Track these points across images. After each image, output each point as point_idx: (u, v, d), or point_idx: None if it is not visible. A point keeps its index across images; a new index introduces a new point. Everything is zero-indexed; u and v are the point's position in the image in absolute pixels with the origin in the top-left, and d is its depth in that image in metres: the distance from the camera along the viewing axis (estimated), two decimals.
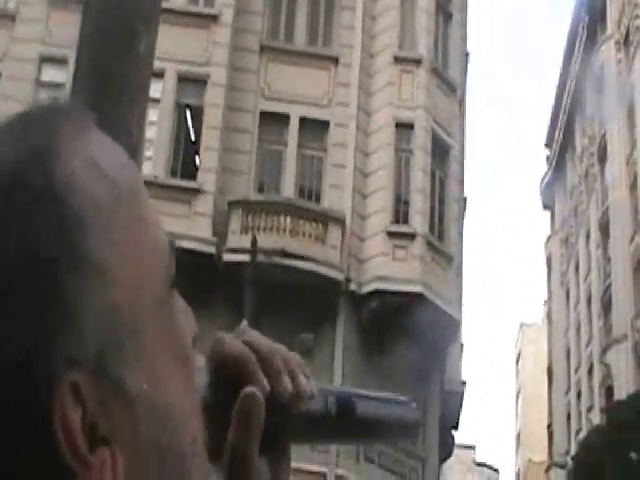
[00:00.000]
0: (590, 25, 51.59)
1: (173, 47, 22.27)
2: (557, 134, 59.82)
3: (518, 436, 77.89)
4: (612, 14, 48.93)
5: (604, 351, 44.71)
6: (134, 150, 4.09)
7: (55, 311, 0.62)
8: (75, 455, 0.61)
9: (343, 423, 0.82)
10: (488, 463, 79.57)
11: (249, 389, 0.75)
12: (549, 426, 59.29)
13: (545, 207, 65.01)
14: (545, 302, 66.32)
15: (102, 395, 0.63)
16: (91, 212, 0.65)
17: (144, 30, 4.37)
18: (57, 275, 0.62)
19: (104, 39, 4.30)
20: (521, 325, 79.47)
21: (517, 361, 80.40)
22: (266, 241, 19.74)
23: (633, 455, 27.84)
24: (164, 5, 23.68)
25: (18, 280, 0.62)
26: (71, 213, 0.64)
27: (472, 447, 76.13)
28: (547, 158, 63.87)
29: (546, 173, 63.48)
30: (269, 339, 0.81)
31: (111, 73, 4.22)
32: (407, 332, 20.75)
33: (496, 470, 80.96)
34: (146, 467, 0.66)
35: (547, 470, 55.87)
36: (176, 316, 0.72)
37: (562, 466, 46.93)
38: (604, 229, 47.30)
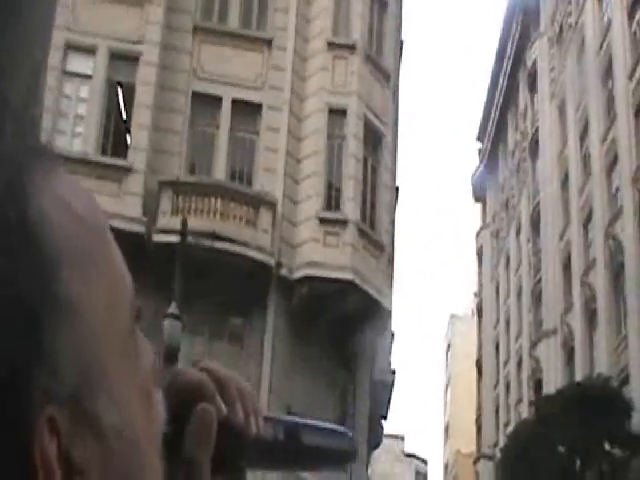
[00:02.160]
0: (524, 21, 52.10)
1: (105, 24, 21.93)
2: (489, 128, 60.33)
3: (447, 427, 78.56)
4: (546, 10, 49.45)
5: (533, 345, 45.25)
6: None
7: (32, 347, 0.63)
8: None
9: (290, 451, 0.87)
10: (417, 454, 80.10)
11: (202, 405, 0.79)
12: (478, 418, 59.85)
13: (476, 200, 65.55)
14: (475, 294, 66.89)
15: (77, 428, 0.64)
16: (64, 250, 0.66)
17: (38, 33, 4.11)
18: (33, 311, 0.63)
19: None
20: (451, 317, 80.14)
21: (447, 352, 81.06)
22: (196, 223, 19.47)
23: (559, 447, 28.23)
24: None
25: None
26: (45, 251, 0.64)
27: (401, 437, 76.55)
28: (479, 151, 64.37)
29: (478, 166, 63.99)
30: (224, 367, 0.85)
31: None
32: (337, 319, 20.73)
33: (425, 461, 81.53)
34: None
35: (475, 462, 56.43)
36: (139, 348, 0.73)
37: (490, 458, 47.48)
38: (535, 224, 47.85)
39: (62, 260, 0.65)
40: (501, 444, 44.82)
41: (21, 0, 4.10)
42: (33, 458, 0.62)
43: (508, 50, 55.08)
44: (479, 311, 62.63)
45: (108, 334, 0.68)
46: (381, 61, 24.76)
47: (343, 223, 22.08)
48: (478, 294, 64.30)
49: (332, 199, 22.42)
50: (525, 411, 43.56)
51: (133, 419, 0.69)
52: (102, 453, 0.66)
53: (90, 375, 0.66)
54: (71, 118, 21.84)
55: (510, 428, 44.54)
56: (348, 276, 21.54)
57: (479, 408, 59.65)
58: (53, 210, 0.67)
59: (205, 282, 18.95)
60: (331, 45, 23.47)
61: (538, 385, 43.37)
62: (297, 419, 0.89)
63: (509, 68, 55.05)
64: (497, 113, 58.32)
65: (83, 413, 0.65)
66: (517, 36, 52.94)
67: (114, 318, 0.69)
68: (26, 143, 0.71)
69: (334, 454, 0.91)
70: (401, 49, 31.34)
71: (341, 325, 21.03)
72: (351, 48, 23.54)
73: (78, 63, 22.17)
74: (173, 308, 14.79)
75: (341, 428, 0.93)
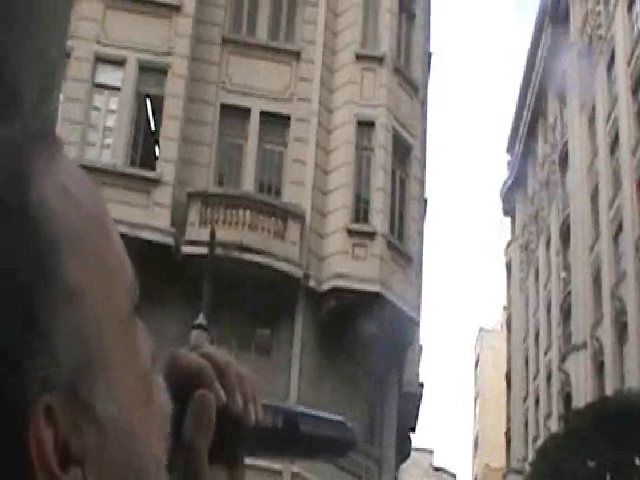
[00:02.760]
0: (553, 32, 51.89)
1: (134, 36, 22.07)
2: (518, 140, 60.08)
3: (476, 441, 78.09)
4: (575, 22, 49.24)
5: (563, 359, 44.91)
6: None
7: (30, 334, 0.63)
8: (47, 474, 0.62)
9: (288, 439, 0.87)
10: (446, 468, 79.55)
11: (201, 391, 0.80)
12: (507, 432, 59.47)
13: (506, 213, 65.25)
14: (504, 308, 66.55)
15: (74, 417, 0.64)
16: (63, 236, 0.66)
17: (54, 31, 4.11)
18: (32, 298, 0.63)
19: None
20: (480, 330, 79.71)
21: (476, 366, 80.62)
22: (225, 234, 19.56)
23: (589, 463, 27.94)
24: None
25: None
26: (45, 237, 0.65)
27: (430, 451, 76.07)
28: (508, 164, 64.12)
29: (507, 178, 63.71)
30: (225, 352, 0.85)
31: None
32: (365, 331, 20.65)
33: (454, 475, 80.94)
34: None
35: (504, 476, 56.02)
36: (138, 337, 0.73)
37: (519, 472, 47.10)
38: (564, 236, 47.55)
39: (61, 245, 0.66)
40: (530, 458, 44.53)
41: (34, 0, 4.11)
42: (29, 447, 0.62)
43: (537, 61, 54.92)
44: (508, 324, 62.29)
45: (107, 321, 0.68)
46: (409, 73, 24.78)
47: (371, 235, 22.07)
48: (507, 307, 63.99)
49: (360, 211, 22.42)
50: (554, 425, 43.23)
51: (131, 408, 0.69)
52: (99, 442, 0.66)
53: (88, 363, 0.66)
54: (100, 130, 21.99)
55: (539, 442, 44.26)
56: (376, 288, 21.52)
57: (508, 422, 59.30)
58: (54, 196, 0.67)
59: (233, 293, 19.00)
60: (359, 57, 23.52)
61: (568, 399, 43.06)
62: (296, 407, 0.90)
63: (538, 79, 54.86)
64: (526, 125, 58.09)
65: (81, 402, 0.65)
66: (546, 47, 52.75)
67: (113, 305, 0.69)
68: (29, 130, 0.71)
69: (333, 443, 0.92)
70: (429, 61, 31.29)
71: (369, 337, 20.94)
72: (379, 60, 23.57)
73: (107, 75, 22.35)
74: (201, 319, 14.80)
75: (340, 418, 0.93)
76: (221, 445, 0.81)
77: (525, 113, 58.27)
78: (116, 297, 0.70)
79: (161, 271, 19.28)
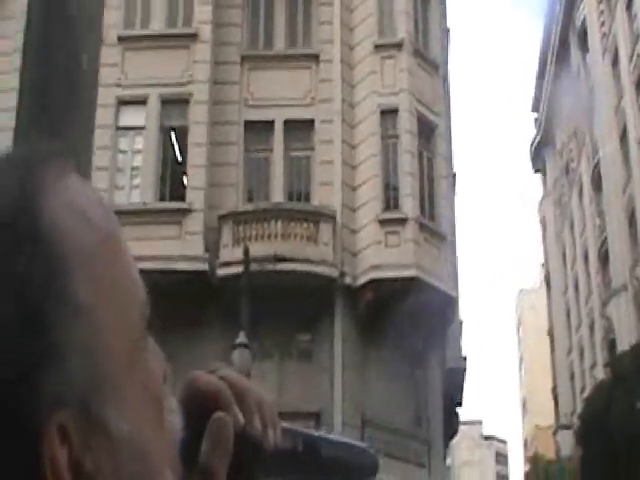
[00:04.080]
0: None
1: (154, 72, 22.18)
2: (543, 96, 59.66)
3: (524, 404, 77.74)
4: None
5: (604, 304, 44.71)
6: (80, 168, 4.08)
7: (42, 353, 0.64)
8: None
9: (308, 463, 0.87)
10: (495, 435, 79.55)
11: (219, 414, 0.78)
12: (553, 389, 59.36)
13: (536, 171, 64.87)
14: (542, 265, 66.24)
15: (87, 436, 0.65)
16: (75, 255, 0.67)
17: (86, 44, 4.39)
18: (44, 318, 0.64)
19: (46, 54, 4.32)
20: (520, 291, 79.16)
21: (518, 328, 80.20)
22: (258, 249, 19.73)
23: (638, 405, 27.76)
24: (144, 32, 23.65)
25: (6, 321, 0.64)
26: (56, 256, 0.66)
27: (478, 422, 76.07)
28: (535, 121, 63.69)
29: (535, 136, 63.27)
30: (243, 377, 0.84)
31: (54, 90, 4.25)
32: (405, 317, 20.74)
33: (504, 441, 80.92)
34: None
35: (554, 433, 55.97)
36: (149, 357, 0.73)
37: (568, 427, 47.13)
38: (596, 184, 47.24)
39: (72, 264, 0.67)
40: (579, 411, 44.63)
41: (80, 42, 4.40)
42: (43, 466, 0.63)
43: (557, 13, 54.40)
44: (547, 281, 62.10)
45: (118, 340, 0.69)
46: (428, 53, 24.71)
47: (403, 221, 22.17)
48: (545, 264, 63.75)
49: (390, 199, 22.50)
50: (600, 374, 43.12)
51: (142, 427, 0.69)
52: (112, 462, 0.66)
53: (100, 381, 0.67)
54: (128, 172, 22.21)
55: (586, 394, 44.27)
56: (412, 273, 21.61)
57: (554, 378, 59.18)
58: (64, 215, 0.69)
59: (271, 305, 19.16)
60: (378, 47, 23.50)
61: (612, 345, 42.79)
62: (316, 432, 0.88)
63: (559, 31, 54.35)
64: (550, 80, 57.65)
65: (94, 420, 0.65)
66: (564, 2, 52.25)
67: (125, 323, 0.70)
68: (38, 151, 0.74)
69: (354, 468, 0.91)
70: (447, 36, 31.26)
71: (409, 322, 21.04)
72: (398, 46, 23.53)
73: (130, 116, 22.55)
74: (241, 337, 14.89)
75: (362, 443, 0.93)
76: (239, 469, 0.80)
77: (548, 67, 57.82)
78: (128, 316, 0.70)
79: (199, 296, 19.53)
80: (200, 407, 0.79)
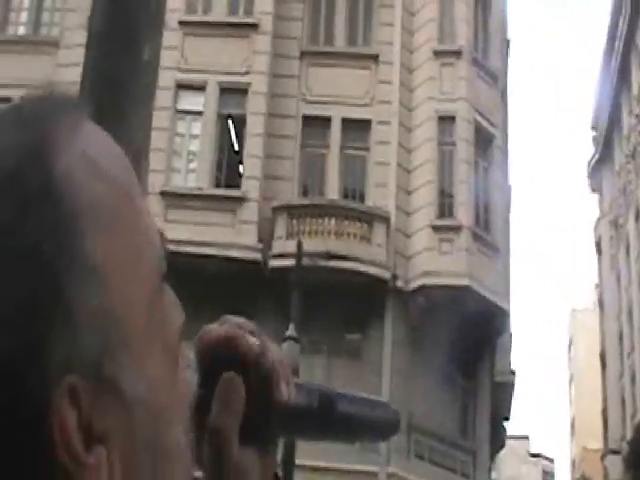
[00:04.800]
0: (633, 2, 50.92)
1: (214, 59, 22.43)
2: (603, 114, 59.17)
3: (572, 424, 77.07)
4: None
5: None
6: (137, 156, 4.12)
7: (52, 312, 0.62)
8: (71, 454, 0.62)
9: (324, 419, 0.83)
10: (543, 453, 78.77)
11: (229, 373, 0.77)
12: (603, 412, 58.72)
13: (593, 190, 64.29)
14: (596, 286, 65.63)
15: (98, 397, 0.63)
16: (89, 211, 0.65)
17: (148, 35, 4.45)
18: (55, 276, 0.62)
19: (109, 44, 4.38)
20: (572, 311, 78.60)
21: (569, 347, 79.55)
22: (311, 244, 19.77)
23: None
24: (206, 18, 23.96)
25: (15, 281, 0.61)
26: (69, 212, 0.64)
27: (526, 438, 75.42)
28: (593, 139, 63.18)
29: (593, 155, 62.71)
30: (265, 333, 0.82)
31: (116, 78, 4.30)
32: (455, 325, 20.67)
33: (551, 460, 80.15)
34: (139, 468, 0.67)
35: (603, 457, 55.35)
36: (167, 313, 0.71)
37: (617, 452, 46.55)
38: None
39: (86, 221, 0.64)
40: (629, 437, 44.02)
41: (142, 33, 4.45)
42: (52, 427, 0.61)
43: (618, 33, 53.98)
44: (600, 303, 61.46)
45: (134, 298, 0.67)
46: (488, 63, 24.68)
47: (457, 229, 22.11)
48: (599, 285, 63.12)
49: (445, 206, 22.47)
50: None
51: (158, 387, 0.68)
52: (125, 423, 0.65)
53: (114, 342, 0.65)
54: (185, 155, 22.45)
55: (637, 419, 43.69)
56: (464, 282, 21.56)
57: (604, 401, 58.53)
58: (79, 168, 0.66)
59: (322, 301, 19.23)
60: (437, 53, 23.53)
61: None
62: (333, 388, 0.85)
63: (620, 50, 53.93)
64: (610, 99, 57.17)
65: (106, 382, 0.64)
66: (627, 18, 51.83)
67: (140, 281, 0.67)
68: (53, 100, 0.70)
69: (373, 424, 0.87)
70: (507, 46, 31.10)
71: (459, 331, 20.96)
72: (457, 54, 23.54)
73: (189, 101, 22.78)
74: (291, 330, 14.95)
75: (382, 399, 0.89)
76: (251, 426, 0.78)
77: (608, 86, 57.35)
78: (144, 273, 0.68)
79: (250, 286, 19.66)
80: (214, 358, 0.78)
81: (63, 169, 0.64)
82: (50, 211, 0.63)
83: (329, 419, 0.83)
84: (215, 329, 0.80)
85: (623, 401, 53.50)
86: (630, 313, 52.51)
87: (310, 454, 17.11)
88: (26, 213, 0.62)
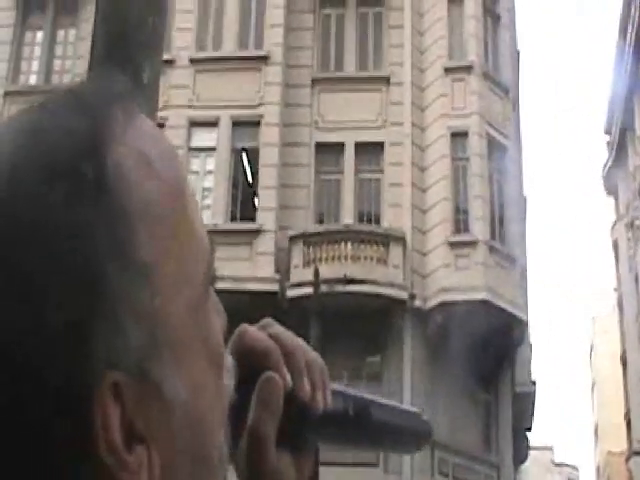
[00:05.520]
0: None
1: (225, 93, 22.54)
2: (616, 118, 59.08)
3: (596, 430, 76.55)
4: None
5: None
6: None
7: (99, 309, 0.61)
8: (112, 451, 0.61)
9: (359, 427, 0.84)
10: (567, 462, 78.25)
11: (268, 373, 0.77)
12: (626, 414, 58.47)
13: (609, 193, 64.13)
14: (615, 290, 65.35)
15: (141, 397, 0.63)
16: (140, 209, 0.64)
17: (147, 58, 4.54)
18: (102, 273, 0.62)
19: (108, 65, 4.47)
20: (593, 317, 78.16)
21: (590, 353, 79.15)
22: (328, 270, 19.92)
23: None
24: (216, 54, 24.06)
25: (63, 274, 0.61)
26: (121, 209, 0.63)
27: (549, 448, 74.90)
28: (607, 144, 63.06)
29: (607, 159, 62.58)
30: (295, 336, 0.82)
31: None
32: (474, 339, 20.66)
33: (576, 468, 79.59)
34: (177, 472, 0.66)
35: (627, 460, 55.05)
36: (211, 316, 0.71)
37: None
38: None
39: (136, 219, 0.64)
40: None
41: (141, 58, 4.54)
42: (94, 423, 0.61)
43: (629, 38, 53.88)
44: (620, 305, 61.24)
45: (179, 300, 0.66)
46: (499, 76, 24.68)
47: (473, 244, 22.12)
48: (617, 288, 62.87)
49: (460, 222, 22.46)
50: None
51: (201, 391, 0.68)
52: (167, 424, 0.65)
53: (158, 343, 0.64)
54: (199, 192, 22.43)
55: None
56: (482, 296, 21.54)
57: (627, 404, 58.30)
58: (131, 165, 0.65)
59: (341, 326, 19.31)
60: (448, 70, 23.56)
61: None
62: (368, 396, 0.85)
63: (632, 54, 53.84)
64: (622, 102, 57.08)
65: (149, 382, 0.64)
66: (637, 23, 51.74)
67: (186, 283, 0.67)
68: (105, 91, 0.69)
69: (406, 434, 0.88)
70: (518, 58, 31.14)
71: (478, 344, 20.94)
72: (468, 69, 23.55)
73: (202, 137, 22.90)
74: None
75: (414, 409, 0.89)
76: (288, 431, 0.78)
77: (620, 90, 57.26)
78: (190, 274, 0.67)
79: (268, 317, 19.66)
80: (249, 364, 0.78)
81: (117, 164, 0.64)
82: (102, 207, 0.63)
83: (364, 426, 0.84)
84: (253, 334, 0.80)
85: None
86: None
87: (331, 475, 17.21)
88: (78, 207, 0.62)
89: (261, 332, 0.81)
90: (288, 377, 0.78)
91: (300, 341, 0.82)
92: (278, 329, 0.82)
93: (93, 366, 0.61)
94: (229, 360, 0.76)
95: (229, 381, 0.75)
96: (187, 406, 0.66)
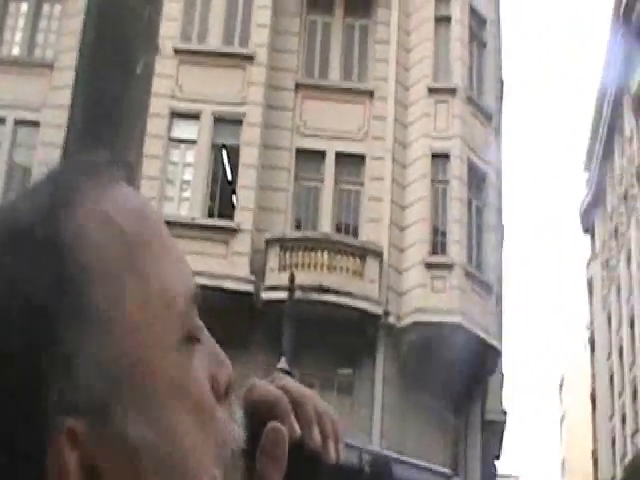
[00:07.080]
0: (625, 48, 51.38)
1: (209, 88, 22.48)
2: (595, 157, 59.54)
3: (563, 463, 77.03)
4: None
5: None
6: (130, 169, 4.08)
7: (51, 359, 0.63)
8: None
9: None
10: None
11: (273, 423, 0.77)
12: (594, 452, 58.65)
13: (585, 231, 64.55)
14: (587, 327, 65.73)
15: (103, 443, 0.64)
16: (97, 265, 0.67)
17: (141, 49, 4.41)
18: (54, 325, 0.64)
19: (101, 58, 4.35)
20: (564, 352, 78.69)
21: (560, 388, 79.66)
22: (304, 277, 19.76)
23: None
24: (201, 47, 23.99)
25: (15, 330, 0.64)
26: (75, 265, 0.66)
27: (516, 477, 75.14)
28: (587, 181, 63.53)
29: (586, 196, 63.08)
30: (303, 386, 0.82)
31: (109, 94, 4.26)
32: (446, 363, 20.62)
33: None
34: None
35: None
36: (191, 364, 0.71)
37: None
38: None
39: (93, 274, 0.66)
40: (619, 477, 43.88)
41: (135, 48, 4.40)
42: (52, 469, 0.63)
43: (611, 77, 54.43)
44: (592, 343, 61.53)
45: (145, 349, 0.67)
46: (482, 102, 24.77)
47: (449, 266, 22.08)
48: (590, 326, 63.20)
49: (438, 244, 22.43)
50: None
51: (177, 436, 0.67)
52: (133, 469, 0.65)
53: (122, 391, 0.65)
54: (178, 184, 22.41)
55: (627, 460, 43.59)
56: (457, 319, 21.51)
57: (595, 441, 58.48)
58: (92, 225, 0.68)
59: (314, 335, 19.15)
60: (432, 90, 23.56)
61: None
62: (388, 452, 0.83)
63: (613, 94, 54.38)
64: (603, 140, 57.55)
65: (112, 431, 0.64)
66: (620, 63, 52.27)
67: (154, 334, 0.68)
68: (80, 162, 0.74)
69: None
70: (502, 87, 31.29)
71: (450, 368, 20.90)
72: (452, 91, 23.59)
73: (183, 129, 22.78)
74: (283, 363, 14.95)
75: (440, 467, 0.88)
76: None
77: (601, 129, 57.75)
78: (162, 324, 0.69)
79: (242, 318, 19.62)
80: (257, 417, 0.78)
81: (76, 226, 0.67)
82: (54, 263, 0.66)
83: None
84: (262, 387, 0.80)
85: (613, 442, 53.42)
86: (621, 354, 52.53)
87: None
88: (30, 264, 0.65)
89: (270, 385, 0.81)
90: (296, 426, 0.78)
91: (310, 392, 0.81)
92: (288, 381, 0.81)
93: (47, 412, 0.63)
94: (237, 412, 0.76)
95: (237, 431, 0.74)
96: (157, 452, 0.66)
